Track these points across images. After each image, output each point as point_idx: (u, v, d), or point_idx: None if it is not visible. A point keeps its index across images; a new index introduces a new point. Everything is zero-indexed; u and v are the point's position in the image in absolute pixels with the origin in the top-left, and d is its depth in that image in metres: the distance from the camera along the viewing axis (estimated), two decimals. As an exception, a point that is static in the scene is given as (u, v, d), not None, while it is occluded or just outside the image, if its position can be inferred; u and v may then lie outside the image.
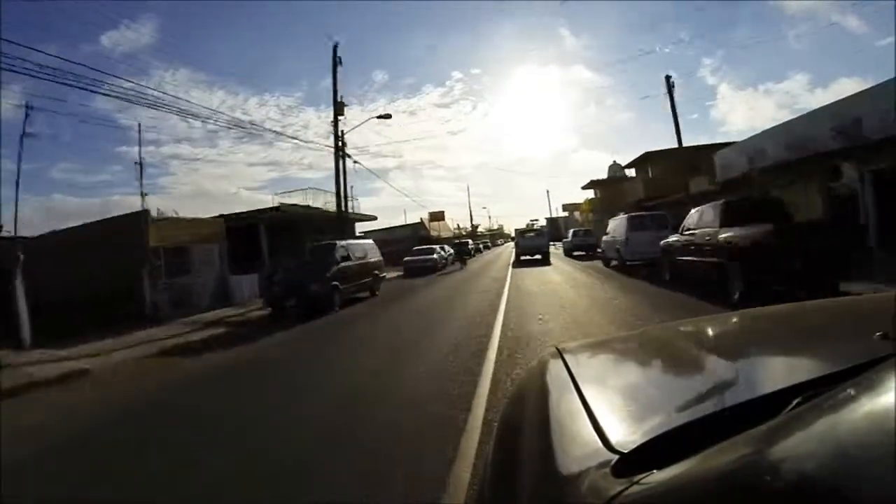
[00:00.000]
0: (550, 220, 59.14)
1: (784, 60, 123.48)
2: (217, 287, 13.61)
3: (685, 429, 0.62)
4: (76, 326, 9.28)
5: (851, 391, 0.50)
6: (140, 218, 12.21)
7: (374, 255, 14.01)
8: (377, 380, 4.86)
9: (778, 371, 0.90)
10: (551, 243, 26.30)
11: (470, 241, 36.62)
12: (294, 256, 12.94)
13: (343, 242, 12.77)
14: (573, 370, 0.97)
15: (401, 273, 21.55)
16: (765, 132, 14.22)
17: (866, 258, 6.48)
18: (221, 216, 15.38)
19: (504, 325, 7.02)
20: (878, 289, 5.82)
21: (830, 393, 0.53)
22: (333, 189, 18.21)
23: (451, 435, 3.08)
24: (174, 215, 14.06)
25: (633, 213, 15.50)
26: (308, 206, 19.62)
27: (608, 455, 0.60)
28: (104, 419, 4.44)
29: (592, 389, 0.87)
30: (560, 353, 1.10)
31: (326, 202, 20.37)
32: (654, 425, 0.65)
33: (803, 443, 0.47)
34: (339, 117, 18.03)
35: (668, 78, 18.95)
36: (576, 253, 24.29)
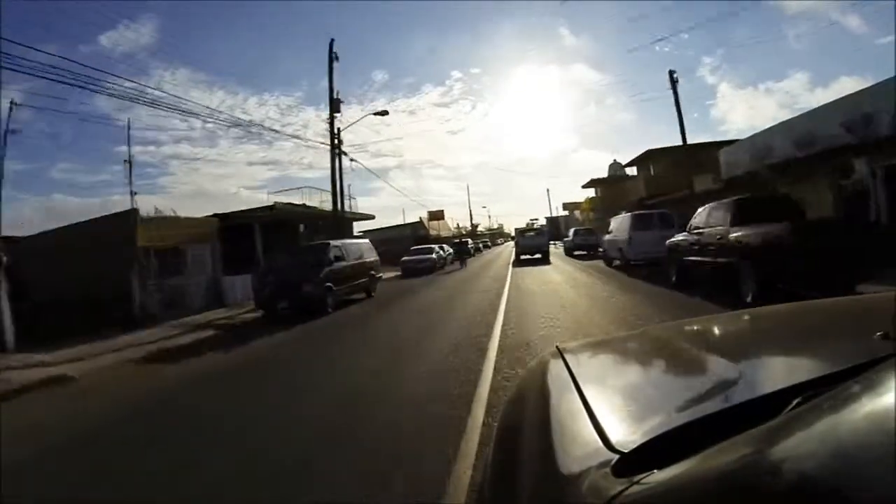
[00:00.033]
0: (550, 220, 59.05)
1: (784, 59, 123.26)
2: (210, 288, 13.36)
3: (685, 429, 0.62)
4: (64, 328, 9.08)
5: (851, 391, 0.50)
6: (129, 217, 11.92)
7: (370, 256, 13.78)
8: (367, 391, 4.75)
9: (778, 371, 0.90)
10: (552, 242, 26.32)
11: (470, 241, 36.49)
12: (288, 256, 12.58)
13: (337, 242, 12.45)
14: (573, 370, 0.97)
15: (399, 273, 21.25)
16: (771, 128, 14.01)
17: (888, 257, 6.12)
18: (215, 215, 15.13)
19: (504, 324, 7.03)
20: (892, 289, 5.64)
21: (830, 393, 0.53)
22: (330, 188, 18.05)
23: (450, 435, 3.08)
24: (172, 214, 13.87)
25: (637, 212, 15.28)
26: (303, 205, 19.36)
27: (608, 455, 0.60)
28: (69, 430, 4.16)
29: (593, 389, 0.87)
30: (560, 353, 1.10)
31: (322, 201, 20.13)
32: (655, 425, 0.65)
33: (803, 443, 0.47)
34: (336, 114, 17.90)
35: (671, 73, 18.75)
36: (577, 252, 24.06)
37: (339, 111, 18.04)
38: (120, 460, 3.39)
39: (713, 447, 0.52)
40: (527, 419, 0.91)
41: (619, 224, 14.72)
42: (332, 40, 17.76)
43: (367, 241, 15.02)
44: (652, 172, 26.50)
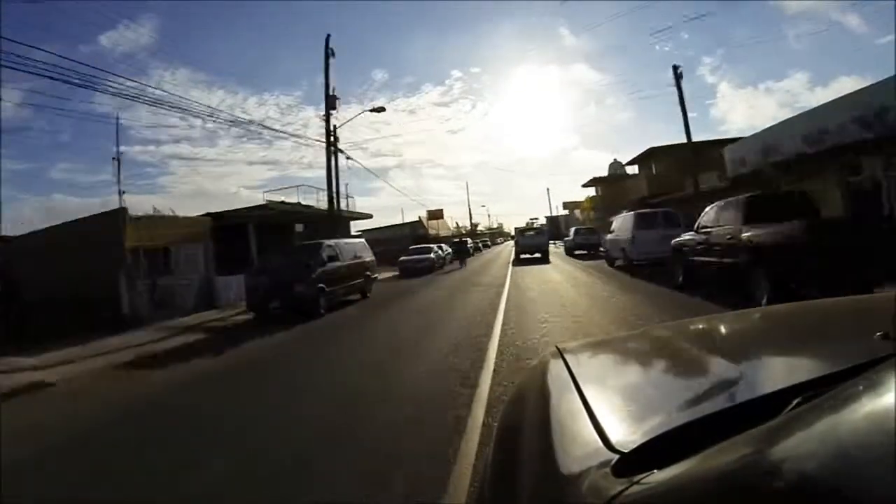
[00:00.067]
0: (551, 219, 58.99)
1: (784, 59, 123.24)
2: (202, 288, 13.14)
3: (685, 429, 0.62)
4: (54, 328, 8.95)
5: (851, 391, 0.50)
6: (117, 216, 11.62)
7: (366, 255, 13.57)
8: (367, 391, 4.73)
9: (778, 371, 0.90)
10: (552, 242, 26.28)
11: (469, 240, 36.39)
12: (282, 256, 12.33)
13: (330, 242, 12.14)
14: (574, 370, 0.97)
15: (396, 273, 20.95)
16: (778, 125, 13.81)
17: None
18: (208, 215, 14.88)
19: (504, 323, 7.03)
20: None
21: (830, 393, 0.53)
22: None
23: (451, 435, 3.08)
24: (171, 214, 13.72)
25: (641, 210, 14.98)
26: (298, 204, 19.05)
27: (608, 455, 0.60)
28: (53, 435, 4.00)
29: (593, 389, 0.87)
30: (560, 353, 1.10)
31: (320, 200, 19.71)
32: (655, 425, 0.66)
33: (803, 443, 0.47)
34: (332, 111, 17.59)
35: (675, 68, 18.52)
36: (578, 252, 23.85)
37: (335, 108, 17.65)
38: (91, 470, 3.20)
39: (713, 447, 0.52)
40: (527, 419, 0.91)
41: (622, 223, 14.38)
42: (329, 36, 17.54)
43: (362, 240, 14.79)
44: (654, 171, 26.39)
